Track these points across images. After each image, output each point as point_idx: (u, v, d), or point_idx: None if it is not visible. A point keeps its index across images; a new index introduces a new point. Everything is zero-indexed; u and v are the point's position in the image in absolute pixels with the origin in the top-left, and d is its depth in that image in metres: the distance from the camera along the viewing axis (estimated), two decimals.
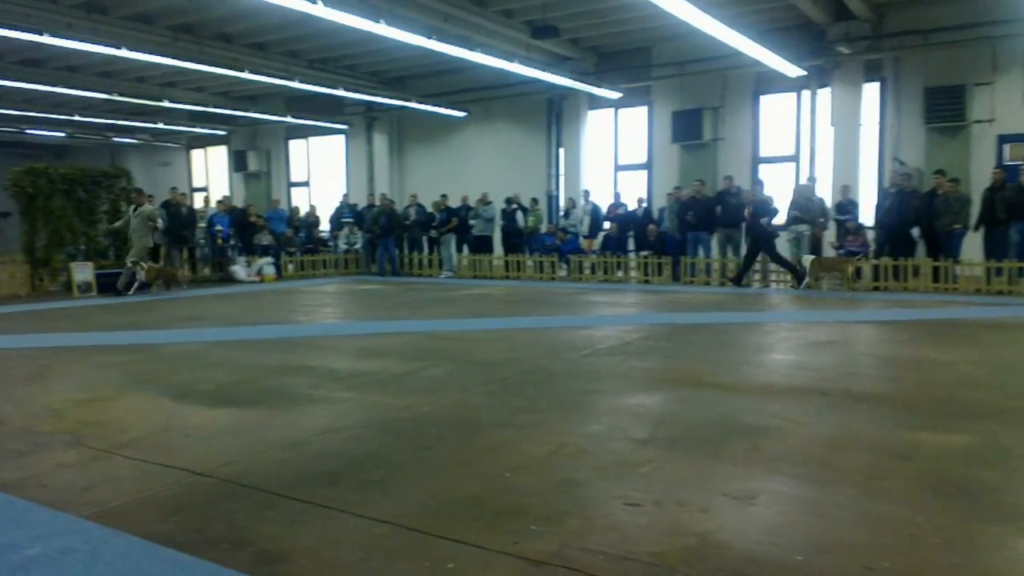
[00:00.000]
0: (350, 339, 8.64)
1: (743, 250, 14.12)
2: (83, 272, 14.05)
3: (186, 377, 6.37)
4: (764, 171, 16.17)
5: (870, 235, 13.56)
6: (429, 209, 17.76)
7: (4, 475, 3.87)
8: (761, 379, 6.10)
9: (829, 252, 13.77)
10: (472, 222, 17.16)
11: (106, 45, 12.79)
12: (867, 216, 13.99)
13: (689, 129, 16.41)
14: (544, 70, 15.17)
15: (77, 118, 21.61)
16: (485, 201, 17.17)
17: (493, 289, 14.25)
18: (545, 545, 2.96)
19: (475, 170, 19.21)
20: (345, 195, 20.00)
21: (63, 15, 12.34)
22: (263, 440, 4.46)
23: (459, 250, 17.59)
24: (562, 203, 18.01)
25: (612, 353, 7.27)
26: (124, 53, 13.21)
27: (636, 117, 18.06)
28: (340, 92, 17.51)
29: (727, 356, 7.16)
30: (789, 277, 13.59)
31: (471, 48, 13.30)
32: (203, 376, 6.40)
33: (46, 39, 12.00)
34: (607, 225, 16.35)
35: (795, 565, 2.79)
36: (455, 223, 17.15)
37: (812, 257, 13.05)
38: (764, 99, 16.46)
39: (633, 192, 16.96)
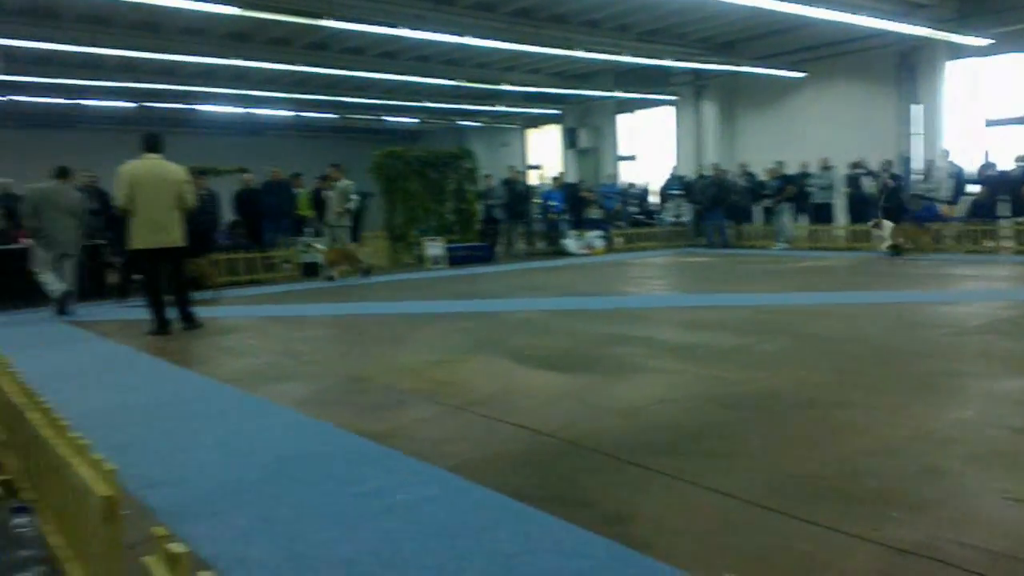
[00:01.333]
0: (679, 311, 8.48)
1: None
2: (434, 247, 15.44)
3: (525, 343, 6.65)
4: None
5: None
6: (762, 177, 16.92)
7: (374, 427, 4.25)
8: None
9: None
10: (810, 189, 16.03)
11: (453, 34, 13.79)
12: None
13: None
14: (896, 20, 13.59)
15: (428, 105, 23.73)
16: (825, 166, 15.92)
17: (834, 261, 13.23)
18: (911, 534, 2.65)
19: (813, 134, 17.80)
20: (674, 167, 19.82)
21: (415, 8, 13.49)
22: (599, 406, 4.49)
23: (795, 220, 16.57)
24: (917, 165, 16.08)
25: (981, 332, 6.34)
26: (469, 40, 14.16)
27: (1011, 65, 15.46)
28: (668, 62, 17.27)
29: None
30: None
31: (810, 3, 12.27)
32: (541, 342, 6.64)
33: (403, 31, 13.23)
34: (973, 188, 14.31)
35: None
36: (791, 191, 16.15)
37: (892, 224, 13.65)
38: None
39: (1007, 150, 14.60)
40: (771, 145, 18.29)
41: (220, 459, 3.81)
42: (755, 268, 12.68)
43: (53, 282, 9.59)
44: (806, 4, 12.28)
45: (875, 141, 16.56)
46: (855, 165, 15.67)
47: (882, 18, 13.44)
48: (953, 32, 14.45)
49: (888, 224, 13.64)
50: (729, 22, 16.69)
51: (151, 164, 7.74)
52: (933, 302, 8.33)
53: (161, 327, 7.87)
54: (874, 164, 15.65)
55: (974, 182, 14.42)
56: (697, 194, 17.50)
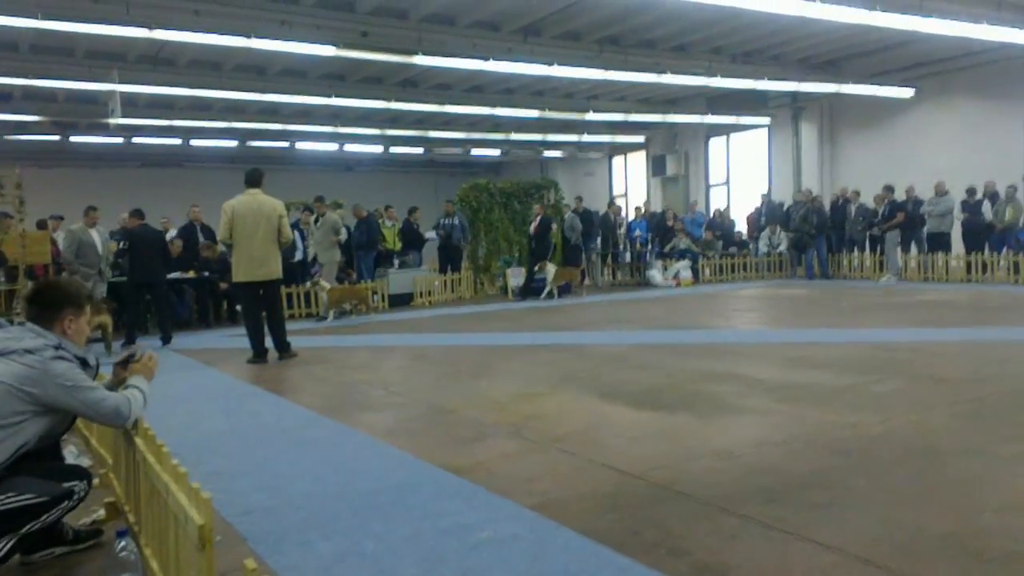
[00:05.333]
0: (777, 347, 8.05)
1: None
2: (517, 277, 15.44)
3: (612, 378, 6.48)
4: None
5: None
6: (871, 205, 16.18)
7: (458, 460, 4.21)
8: None
9: None
10: (924, 216, 15.12)
11: (540, 63, 13.82)
12: None
13: None
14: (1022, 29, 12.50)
15: (512, 137, 23.90)
16: (940, 192, 15.01)
17: (949, 294, 12.41)
18: None
19: (926, 156, 16.80)
20: (763, 195, 19.32)
21: (504, 41, 13.62)
22: (692, 447, 4.30)
23: (906, 250, 15.76)
24: None
25: None
26: (555, 71, 14.16)
27: None
28: (764, 84, 16.79)
29: None
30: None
31: (924, 15, 11.51)
32: (628, 377, 6.46)
33: (490, 65, 13.35)
34: None
35: None
36: (900, 218, 15.31)
37: (555, 267, 14.54)
38: None
39: None
40: (876, 169, 17.37)
41: (311, 488, 3.88)
42: (862, 301, 12.04)
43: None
44: (918, 15, 11.43)
45: (996, 164, 15.42)
46: (971, 191, 14.74)
47: (1007, 27, 12.32)
48: None
49: (551, 267, 14.41)
50: (830, 40, 16.01)
51: (250, 199, 8.01)
52: None
53: (258, 355, 8.13)
54: (998, 188, 14.62)
55: None
56: (795, 222, 16.82)
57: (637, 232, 17.87)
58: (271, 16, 11.25)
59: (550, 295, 14.45)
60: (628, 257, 18.39)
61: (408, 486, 3.81)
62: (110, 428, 3.24)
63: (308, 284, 12.67)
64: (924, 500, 3.36)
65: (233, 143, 22.00)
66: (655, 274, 16.88)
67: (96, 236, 10.23)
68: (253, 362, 8.07)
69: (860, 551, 2.82)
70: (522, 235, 16.88)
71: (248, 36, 10.84)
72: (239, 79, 15.74)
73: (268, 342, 8.27)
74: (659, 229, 17.95)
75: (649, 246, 17.95)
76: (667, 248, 17.54)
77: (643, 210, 18.68)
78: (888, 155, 17.84)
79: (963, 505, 3.27)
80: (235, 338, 9.82)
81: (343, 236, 12.90)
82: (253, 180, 8.12)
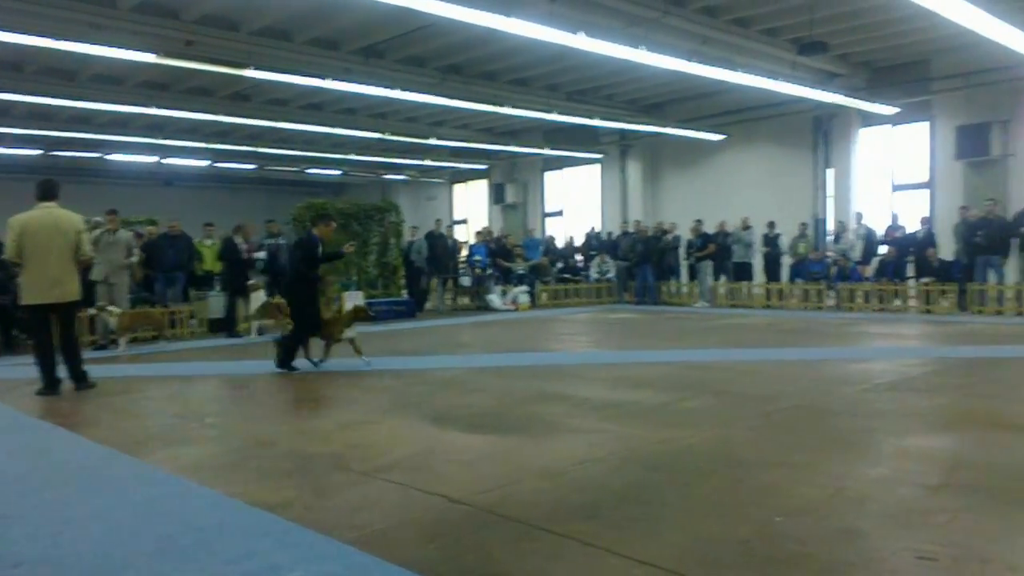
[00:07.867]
0: (604, 368, 8.39)
1: None
2: (354, 301, 15.02)
3: (446, 402, 6.42)
4: None
5: None
6: (687, 236, 17.21)
7: (273, 496, 3.93)
8: None
9: None
10: (733, 246, 16.42)
11: (381, 86, 13.69)
12: None
13: (975, 145, 14.87)
14: (811, 88, 14.37)
15: (353, 157, 23.56)
16: (745, 226, 16.35)
17: (753, 319, 13.45)
18: None
19: (734, 194, 18.46)
20: (591, 228, 20.29)
21: (343, 61, 13.42)
22: (520, 468, 4.31)
23: (716, 278, 16.85)
24: (830, 227, 16.87)
25: (893, 388, 6.54)
26: (397, 94, 14.08)
27: (915, 133, 16.67)
28: (596, 122, 17.61)
29: None
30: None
31: (732, 69, 12.74)
32: (462, 402, 6.43)
33: (328, 83, 13.06)
34: (883, 249, 14.99)
35: None
36: (712, 249, 16.44)
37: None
38: None
39: (911, 213, 15.54)
40: (692, 204, 18.79)
41: (99, 534, 3.48)
42: (679, 325, 12.78)
43: None
44: (728, 69, 12.74)
45: (791, 202, 17.27)
46: (771, 225, 16.16)
47: (799, 85, 14.10)
48: (863, 100, 15.31)
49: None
50: (655, 85, 17.25)
51: (44, 213, 7.21)
52: (847, 359, 8.55)
53: (50, 386, 7.27)
54: (790, 225, 16.13)
55: (883, 243, 15.02)
56: (624, 251, 17.60)
57: (477, 257, 17.96)
58: (80, 18, 10.37)
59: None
60: (468, 281, 18.44)
61: (213, 527, 3.51)
62: None
63: (94, 308, 10.92)
64: (726, 509, 3.56)
65: (36, 152, 20.35)
66: (494, 298, 17.04)
67: None
68: (43, 394, 7.19)
69: (670, 563, 2.93)
70: (362, 258, 16.55)
71: (54, 38, 9.97)
72: (45, 83, 14.52)
73: (62, 371, 7.40)
74: (497, 254, 18.15)
75: (489, 271, 18.08)
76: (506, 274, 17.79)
77: (484, 235, 18.86)
78: (702, 192, 19.45)
79: (758, 512, 3.48)
80: (22, 367, 8.83)
81: (136, 258, 11.67)
82: (46, 193, 7.31)
